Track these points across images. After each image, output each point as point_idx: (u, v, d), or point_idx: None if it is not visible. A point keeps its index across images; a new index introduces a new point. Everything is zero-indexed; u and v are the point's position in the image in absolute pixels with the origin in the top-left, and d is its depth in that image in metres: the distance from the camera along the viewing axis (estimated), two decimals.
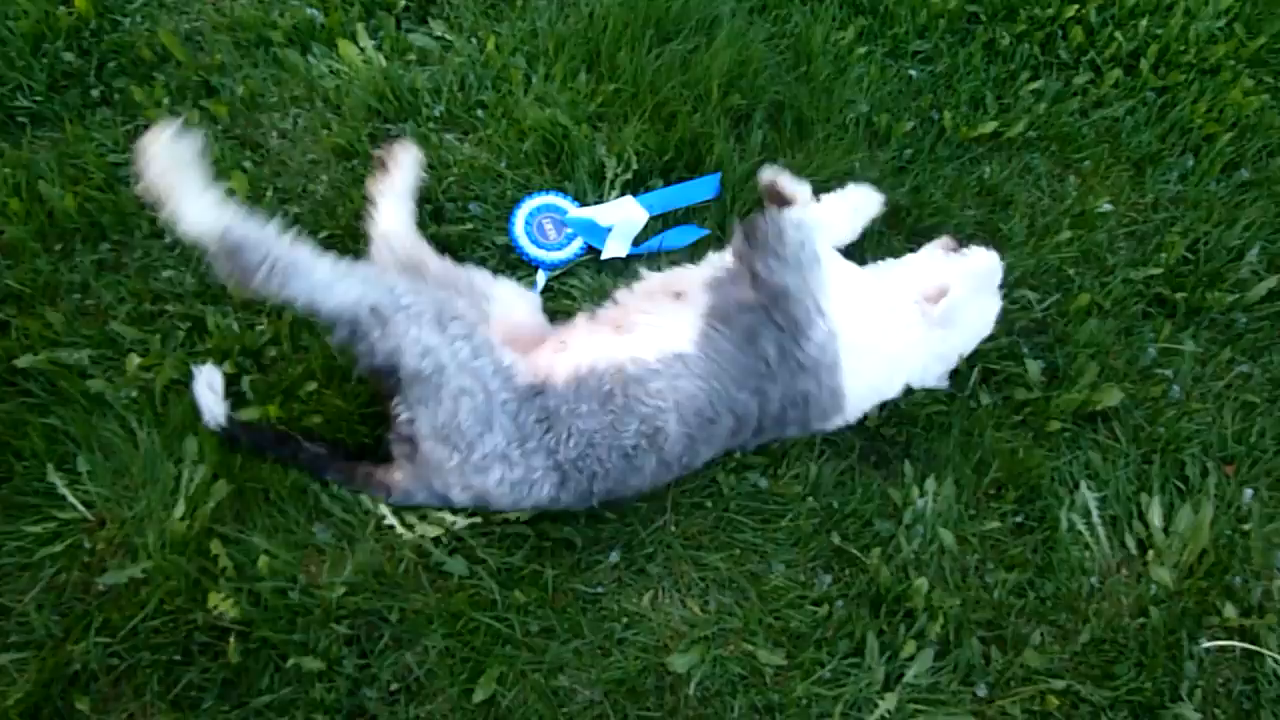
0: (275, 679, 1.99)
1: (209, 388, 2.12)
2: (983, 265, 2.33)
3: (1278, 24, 3.08)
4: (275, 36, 2.68)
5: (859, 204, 2.44)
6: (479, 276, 2.27)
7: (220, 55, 2.64)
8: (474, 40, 2.76)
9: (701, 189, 2.56)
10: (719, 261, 2.29)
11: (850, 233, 2.43)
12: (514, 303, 2.27)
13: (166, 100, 2.54)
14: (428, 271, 2.21)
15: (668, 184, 2.58)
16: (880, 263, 2.44)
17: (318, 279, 1.87)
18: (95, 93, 2.55)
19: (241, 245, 1.85)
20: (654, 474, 2.07)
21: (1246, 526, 2.33)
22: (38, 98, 2.51)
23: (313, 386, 2.21)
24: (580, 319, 2.25)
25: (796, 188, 2.38)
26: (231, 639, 1.97)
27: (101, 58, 2.60)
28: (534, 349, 2.15)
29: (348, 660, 2.02)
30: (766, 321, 2.11)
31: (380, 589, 2.08)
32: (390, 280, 1.95)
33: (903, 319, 2.24)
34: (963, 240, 2.43)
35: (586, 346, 2.09)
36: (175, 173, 1.84)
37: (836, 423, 2.25)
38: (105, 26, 2.66)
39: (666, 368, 2.03)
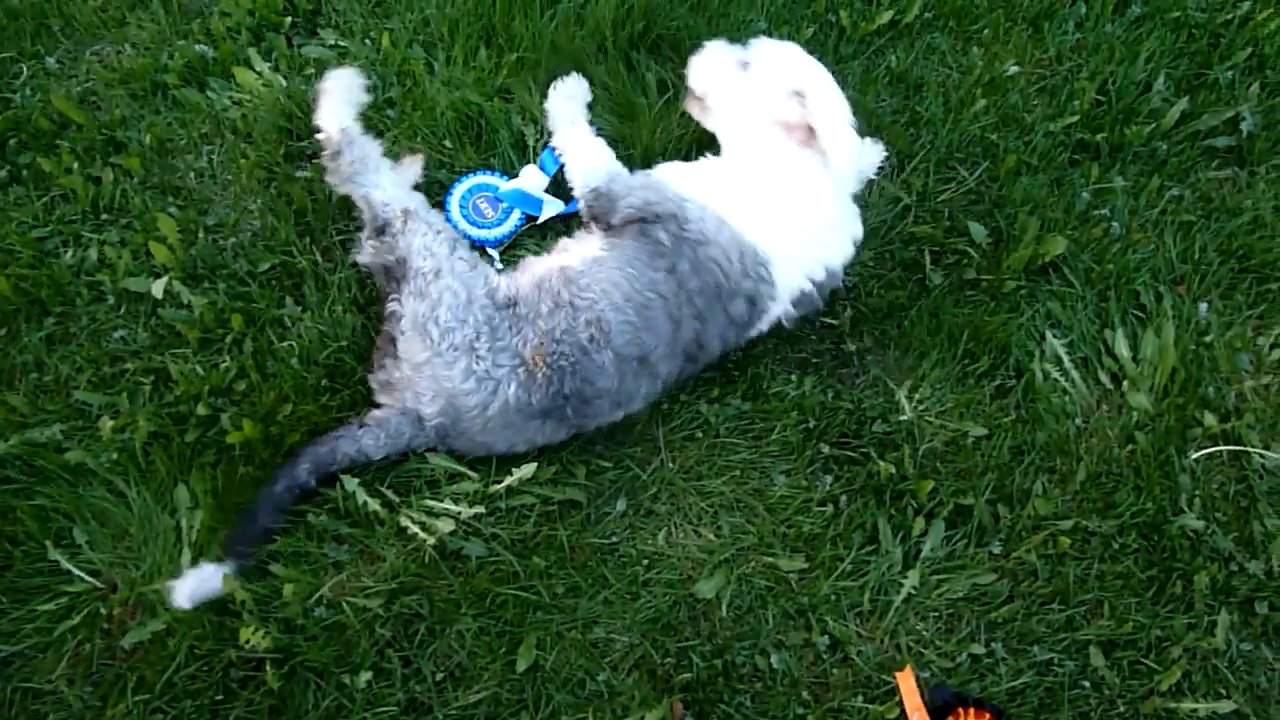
0: (318, 695, 2.00)
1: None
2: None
3: None
4: (169, 79, 2.66)
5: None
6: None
7: (119, 110, 2.61)
8: (368, 41, 2.75)
9: None
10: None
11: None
12: None
13: (76, 165, 2.51)
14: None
15: None
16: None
17: (379, 181, 2.26)
18: (3, 173, 2.51)
19: (350, 141, 2.27)
20: (617, 372, 2.13)
21: (1208, 339, 2.41)
22: None
23: (289, 409, 2.21)
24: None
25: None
26: (268, 667, 1.98)
27: (1, 138, 2.56)
28: None
29: (391, 662, 2.04)
30: (650, 225, 2.22)
31: (407, 588, 2.10)
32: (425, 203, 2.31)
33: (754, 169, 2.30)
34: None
35: (535, 265, 2.29)
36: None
37: (774, 289, 2.23)
38: None
39: (588, 267, 2.19)
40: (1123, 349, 2.39)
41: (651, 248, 2.19)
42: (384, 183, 2.25)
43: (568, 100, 2.55)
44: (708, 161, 2.38)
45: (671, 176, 2.31)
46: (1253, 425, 2.32)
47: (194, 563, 2.07)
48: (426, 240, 2.18)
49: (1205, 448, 2.30)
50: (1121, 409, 2.35)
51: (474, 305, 2.11)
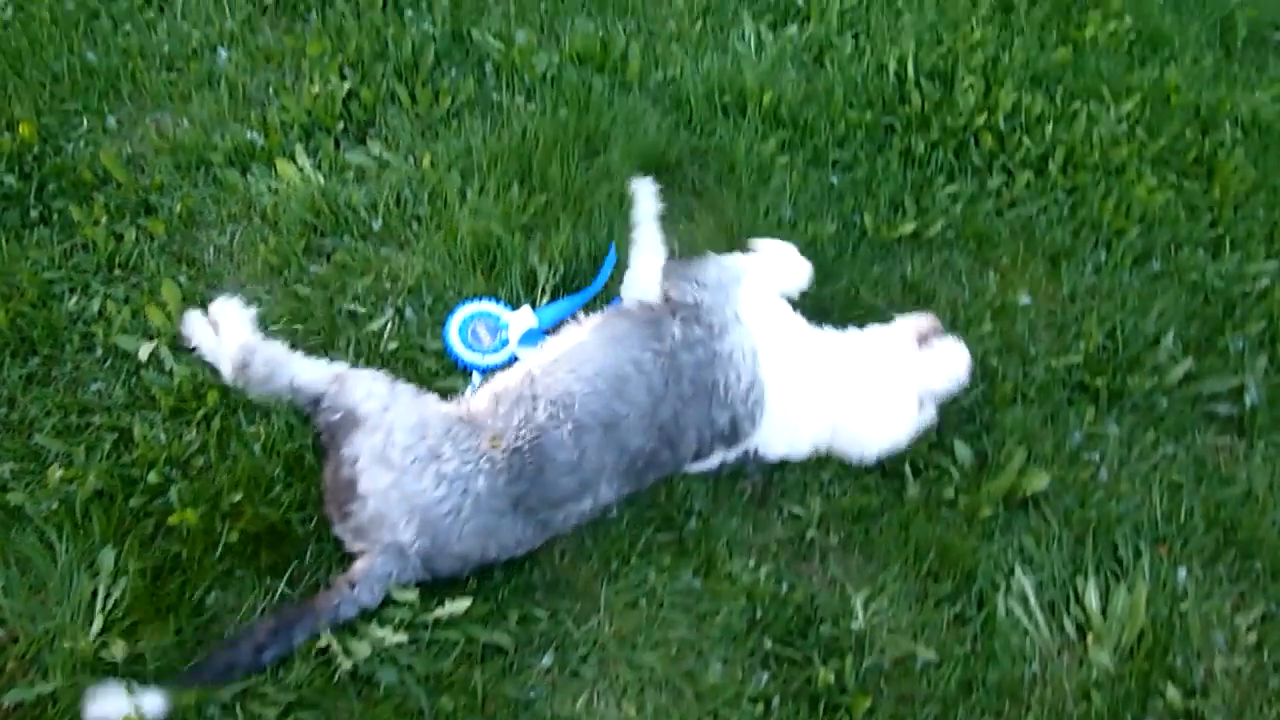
0: None
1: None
2: (956, 370, 2.43)
3: (1176, 126, 3.27)
4: (215, 158, 2.77)
5: (783, 262, 2.54)
6: None
7: (160, 176, 2.72)
8: (410, 158, 2.86)
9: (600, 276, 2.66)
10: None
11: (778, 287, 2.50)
12: None
13: (105, 219, 2.59)
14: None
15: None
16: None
17: (296, 368, 2.27)
18: (34, 213, 2.60)
19: (251, 351, 2.29)
20: (576, 444, 2.13)
21: (1183, 607, 2.32)
22: None
23: (237, 497, 2.18)
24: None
25: None
26: None
27: (42, 180, 2.66)
28: None
29: None
30: (671, 318, 2.30)
31: (306, 702, 2.00)
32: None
33: (836, 373, 2.37)
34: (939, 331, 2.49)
35: (491, 384, 2.30)
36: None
37: (753, 431, 2.32)
38: (48, 151, 2.74)
39: (566, 356, 2.24)
40: (1092, 600, 2.30)
41: (652, 332, 2.26)
42: (300, 367, 2.28)
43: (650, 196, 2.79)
44: (786, 311, 2.46)
45: (741, 294, 2.38)
46: (1218, 708, 2.20)
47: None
48: (366, 386, 2.21)
49: None
50: (1082, 663, 2.25)
51: (429, 421, 2.14)
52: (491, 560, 2.15)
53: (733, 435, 2.29)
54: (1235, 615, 2.35)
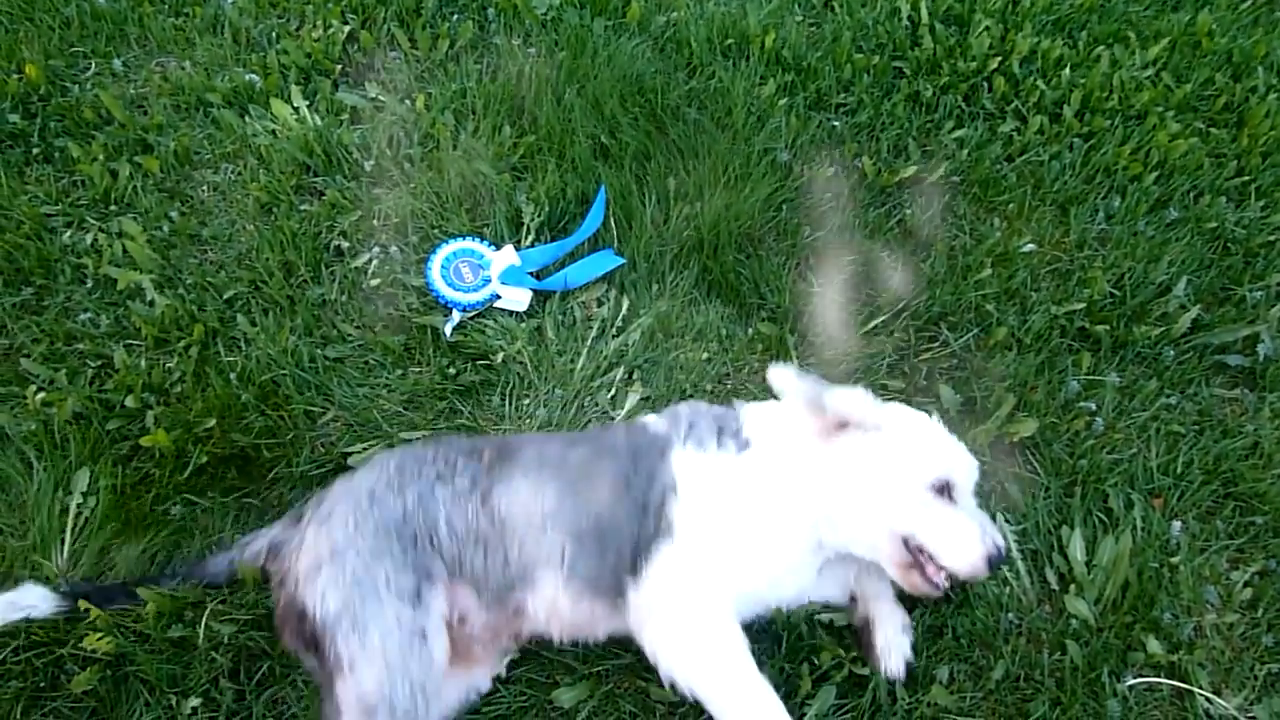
0: (144, 710, 1.92)
1: None
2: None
3: (1205, 71, 3.10)
4: (214, 98, 2.81)
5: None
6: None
7: (159, 116, 2.76)
8: (406, 101, 2.86)
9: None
10: None
11: None
12: None
13: (102, 156, 2.65)
14: None
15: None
16: None
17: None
18: (36, 151, 2.67)
19: None
20: None
21: (1175, 560, 2.21)
22: None
23: (210, 422, 2.21)
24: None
25: None
26: (88, 669, 1.92)
27: (46, 120, 2.73)
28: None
29: (223, 694, 1.95)
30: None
31: (262, 622, 2.03)
32: None
33: None
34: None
35: None
36: None
37: None
38: (54, 92, 2.80)
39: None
40: (1077, 551, 2.20)
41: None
42: None
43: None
44: None
45: None
46: (1204, 664, 2.09)
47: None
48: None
49: (1145, 676, 2.08)
50: (1062, 613, 2.15)
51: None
52: None
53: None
54: (1231, 571, 2.23)
